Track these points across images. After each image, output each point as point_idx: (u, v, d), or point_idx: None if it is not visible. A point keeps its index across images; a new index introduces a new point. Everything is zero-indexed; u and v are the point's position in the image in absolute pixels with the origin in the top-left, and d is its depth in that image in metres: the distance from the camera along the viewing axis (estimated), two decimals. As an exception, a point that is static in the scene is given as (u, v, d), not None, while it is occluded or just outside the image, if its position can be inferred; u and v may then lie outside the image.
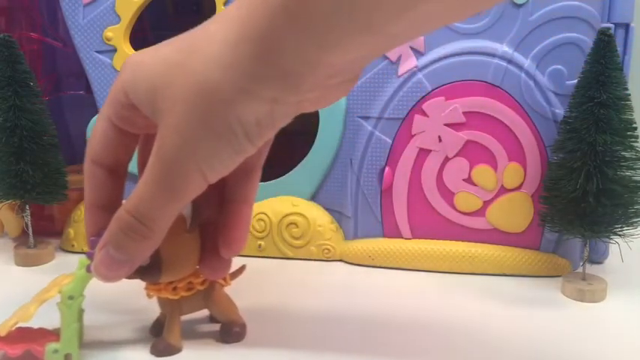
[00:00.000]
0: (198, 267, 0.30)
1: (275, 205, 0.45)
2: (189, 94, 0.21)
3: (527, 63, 0.40)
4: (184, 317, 0.32)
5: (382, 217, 0.44)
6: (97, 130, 0.26)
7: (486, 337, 0.33)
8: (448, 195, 0.43)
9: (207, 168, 0.22)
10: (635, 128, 0.37)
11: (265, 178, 0.46)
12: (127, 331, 0.33)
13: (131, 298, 0.34)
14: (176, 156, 0.22)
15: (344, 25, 0.19)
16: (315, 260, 0.45)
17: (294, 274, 0.43)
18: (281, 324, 0.35)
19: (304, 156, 0.45)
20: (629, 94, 0.37)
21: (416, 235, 0.44)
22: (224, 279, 0.32)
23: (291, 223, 0.45)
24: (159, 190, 0.23)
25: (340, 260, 0.45)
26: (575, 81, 0.39)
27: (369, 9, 0.18)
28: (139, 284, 0.30)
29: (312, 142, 0.44)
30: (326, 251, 0.45)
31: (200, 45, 0.21)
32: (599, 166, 0.36)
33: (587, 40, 0.39)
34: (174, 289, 0.30)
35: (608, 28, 0.36)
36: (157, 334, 0.32)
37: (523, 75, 0.40)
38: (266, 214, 0.45)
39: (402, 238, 0.44)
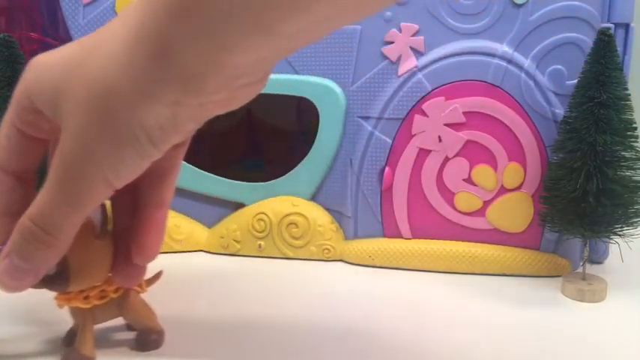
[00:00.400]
0: (111, 274, 0.28)
1: (275, 205, 0.45)
2: (89, 96, 0.21)
3: (527, 63, 0.40)
4: (100, 325, 0.31)
5: (382, 217, 0.44)
6: (0, 135, 0.25)
7: (486, 337, 0.33)
8: (448, 195, 0.43)
9: (111, 174, 0.22)
10: (635, 128, 0.37)
11: (265, 178, 0.46)
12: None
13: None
14: (78, 161, 0.21)
15: (240, 25, 0.18)
16: (315, 260, 0.45)
17: (294, 274, 0.43)
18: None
19: (304, 156, 0.45)
20: (629, 94, 0.37)
21: (416, 235, 0.44)
22: (140, 285, 0.31)
23: (291, 223, 0.45)
24: (61, 196, 0.22)
25: (340, 260, 0.45)
26: (575, 81, 0.39)
27: (262, 9, 0.18)
28: (52, 294, 0.28)
29: (312, 142, 0.44)
30: (326, 251, 0.45)
31: (102, 44, 0.21)
32: (599, 166, 0.36)
33: (587, 40, 0.39)
34: (86, 297, 0.29)
35: (608, 28, 0.36)
36: (70, 344, 0.30)
37: (523, 75, 0.40)
38: (266, 214, 0.45)
39: (402, 238, 0.44)
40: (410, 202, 0.43)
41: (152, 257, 0.27)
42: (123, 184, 0.22)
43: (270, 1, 0.18)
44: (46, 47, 0.51)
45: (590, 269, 0.41)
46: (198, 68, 0.19)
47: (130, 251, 0.27)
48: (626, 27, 0.40)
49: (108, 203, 0.27)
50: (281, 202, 0.46)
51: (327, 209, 0.46)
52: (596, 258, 0.44)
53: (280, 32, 0.19)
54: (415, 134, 0.42)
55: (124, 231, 0.27)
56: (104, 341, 0.32)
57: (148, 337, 0.31)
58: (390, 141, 0.43)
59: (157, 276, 0.33)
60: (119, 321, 0.32)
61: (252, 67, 0.21)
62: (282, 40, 0.20)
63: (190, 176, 0.47)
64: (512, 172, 0.41)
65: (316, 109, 0.44)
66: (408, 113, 0.42)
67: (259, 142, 0.58)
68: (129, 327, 0.33)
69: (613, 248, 0.41)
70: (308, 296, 0.39)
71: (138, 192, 0.27)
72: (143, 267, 0.28)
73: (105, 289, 0.29)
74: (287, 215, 0.45)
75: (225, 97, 0.22)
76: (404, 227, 0.44)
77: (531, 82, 0.40)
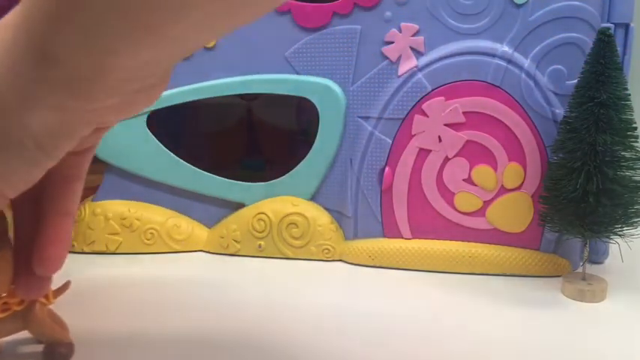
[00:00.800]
0: (13, 286, 0.27)
1: (275, 205, 0.46)
2: None
3: (527, 63, 0.40)
4: (9, 338, 0.30)
5: (382, 217, 0.44)
6: None
7: (486, 337, 0.33)
8: (448, 195, 0.43)
9: (2, 183, 0.21)
10: (635, 128, 0.37)
11: (265, 178, 0.46)
12: None
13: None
14: None
15: (123, 27, 0.18)
16: (315, 260, 0.45)
17: (294, 274, 0.43)
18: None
19: (304, 156, 0.45)
20: (629, 94, 0.37)
21: (416, 235, 0.44)
22: (46, 297, 0.30)
23: (291, 223, 0.45)
24: None
25: (340, 260, 0.45)
26: (575, 81, 0.39)
27: (145, 11, 0.17)
28: None
29: (312, 142, 0.44)
30: (326, 251, 0.45)
31: None
32: (599, 166, 0.36)
33: (587, 40, 0.39)
34: None
35: (608, 28, 0.36)
36: None
37: (523, 75, 0.40)
38: (266, 214, 0.45)
39: (402, 238, 0.44)
40: (410, 202, 0.43)
41: (55, 269, 0.26)
42: (16, 192, 0.22)
43: (153, 2, 0.17)
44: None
45: (590, 269, 0.41)
46: (83, 72, 0.19)
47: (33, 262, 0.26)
48: (626, 27, 0.40)
49: (8, 213, 0.26)
50: (281, 202, 0.46)
51: (327, 209, 0.46)
52: (596, 258, 0.44)
53: (167, 34, 0.18)
54: (415, 134, 0.42)
55: (27, 241, 0.26)
56: (11, 355, 0.31)
57: (55, 349, 0.30)
58: (390, 141, 0.43)
59: (65, 286, 0.32)
60: (27, 333, 0.31)
61: (142, 70, 0.20)
62: (170, 41, 0.19)
63: (190, 176, 0.47)
64: (512, 172, 0.41)
65: (316, 109, 0.44)
66: (408, 113, 0.42)
67: (259, 142, 0.58)
68: (38, 339, 0.32)
69: (613, 248, 0.41)
70: (308, 296, 0.39)
71: (42, 200, 0.26)
72: (48, 278, 0.27)
73: (7, 302, 0.28)
74: (287, 215, 0.45)
75: (120, 102, 0.21)
76: (404, 227, 0.44)
77: (531, 82, 0.40)
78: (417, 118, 0.42)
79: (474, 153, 0.41)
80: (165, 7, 0.17)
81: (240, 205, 0.47)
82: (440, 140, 0.42)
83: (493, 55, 0.40)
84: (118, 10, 0.17)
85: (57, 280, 0.31)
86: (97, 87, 0.19)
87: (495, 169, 0.41)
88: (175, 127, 0.54)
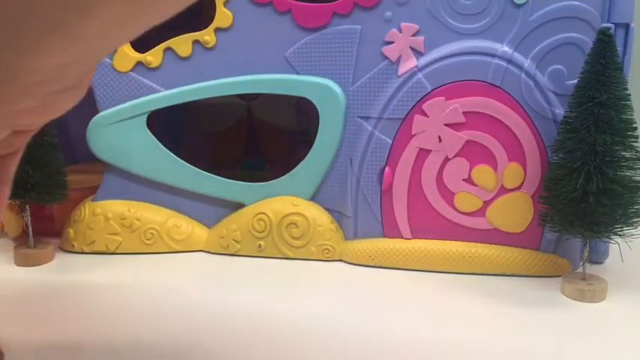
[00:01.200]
0: None
1: (275, 205, 0.46)
2: None
3: (527, 63, 0.40)
4: None
5: (382, 217, 0.44)
6: None
7: (486, 338, 0.33)
8: (448, 195, 0.43)
9: None
10: (635, 128, 0.37)
11: (265, 178, 0.46)
12: None
13: None
14: None
15: (32, 27, 0.17)
16: (315, 260, 0.45)
17: (294, 274, 0.43)
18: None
19: (304, 156, 0.45)
20: (629, 94, 0.37)
21: (416, 235, 0.44)
22: None
23: (291, 223, 0.45)
24: None
25: (340, 260, 0.45)
26: (575, 81, 0.39)
27: (53, 10, 0.17)
28: None
29: (312, 142, 0.44)
30: (326, 251, 0.45)
31: None
32: (599, 166, 0.36)
33: (587, 40, 0.39)
34: None
35: (608, 28, 0.36)
36: None
37: (523, 75, 0.40)
38: (266, 214, 0.45)
39: (402, 238, 0.44)
40: (410, 202, 0.43)
41: None
42: None
43: (61, 1, 0.17)
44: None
45: (590, 269, 0.41)
46: None
47: None
48: (626, 27, 0.40)
49: None
50: (281, 202, 0.46)
51: (327, 209, 0.46)
52: (596, 258, 0.44)
53: (77, 34, 0.18)
54: (415, 134, 0.42)
55: None
56: None
57: None
58: (390, 141, 0.43)
59: None
60: None
61: (57, 72, 0.20)
62: (82, 42, 0.19)
63: (190, 176, 0.47)
64: (512, 172, 0.41)
65: (316, 109, 0.44)
66: (408, 113, 0.42)
67: (259, 142, 0.58)
68: None
69: (613, 248, 0.41)
70: (307, 297, 0.39)
71: None
72: None
73: None
74: (287, 215, 0.45)
75: (37, 105, 0.21)
76: (404, 227, 0.44)
77: (531, 82, 0.40)
78: (417, 118, 0.42)
79: (474, 153, 0.42)
80: (75, 5, 0.17)
81: (240, 205, 0.47)
82: (440, 140, 0.42)
83: (493, 55, 0.40)
84: (31, 10, 0.17)
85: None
86: (11, 89, 0.19)
87: (495, 169, 0.42)
88: (175, 127, 0.54)
